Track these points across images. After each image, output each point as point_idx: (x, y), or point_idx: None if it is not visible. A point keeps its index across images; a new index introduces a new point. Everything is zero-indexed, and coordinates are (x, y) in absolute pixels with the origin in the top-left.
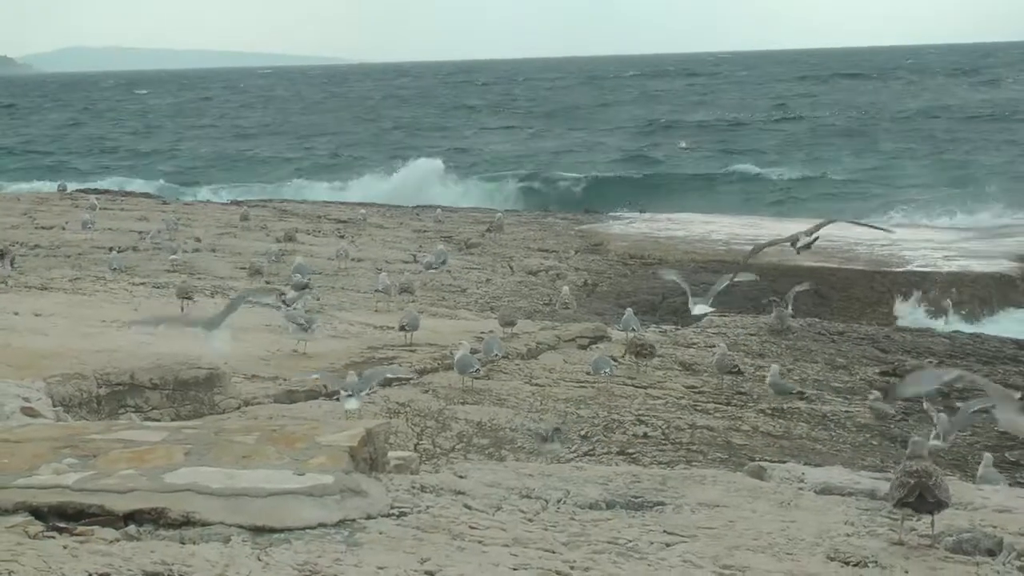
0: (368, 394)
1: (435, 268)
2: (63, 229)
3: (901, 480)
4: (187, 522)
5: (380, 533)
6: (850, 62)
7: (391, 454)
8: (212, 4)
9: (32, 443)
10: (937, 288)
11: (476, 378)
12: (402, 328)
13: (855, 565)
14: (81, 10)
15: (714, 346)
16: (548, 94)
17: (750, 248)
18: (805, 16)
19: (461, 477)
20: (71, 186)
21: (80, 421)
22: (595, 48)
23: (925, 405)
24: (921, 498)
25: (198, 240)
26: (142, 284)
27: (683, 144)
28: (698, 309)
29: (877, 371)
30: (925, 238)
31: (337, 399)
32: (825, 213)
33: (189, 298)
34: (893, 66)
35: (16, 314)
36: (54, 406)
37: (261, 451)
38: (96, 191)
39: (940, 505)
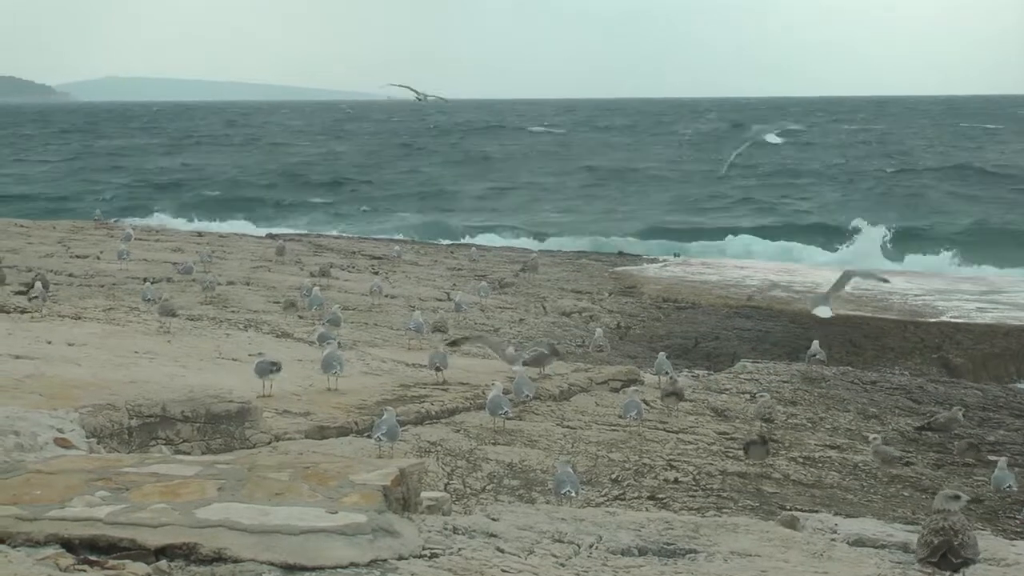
0: None
1: (464, 310)
2: (98, 259)
3: (927, 539)
4: (219, 558)
5: (412, 575)
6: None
7: (423, 494)
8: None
9: (65, 475)
10: (970, 339)
11: (508, 419)
12: (435, 368)
13: None
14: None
15: (748, 393)
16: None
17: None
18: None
19: (494, 519)
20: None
21: (113, 453)
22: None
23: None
24: (946, 558)
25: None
26: (175, 316)
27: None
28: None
29: (909, 421)
30: (959, 289)
31: (368, 436)
32: None
33: (173, 315)
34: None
35: (49, 343)
36: (87, 437)
37: (294, 488)
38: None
39: (967, 563)
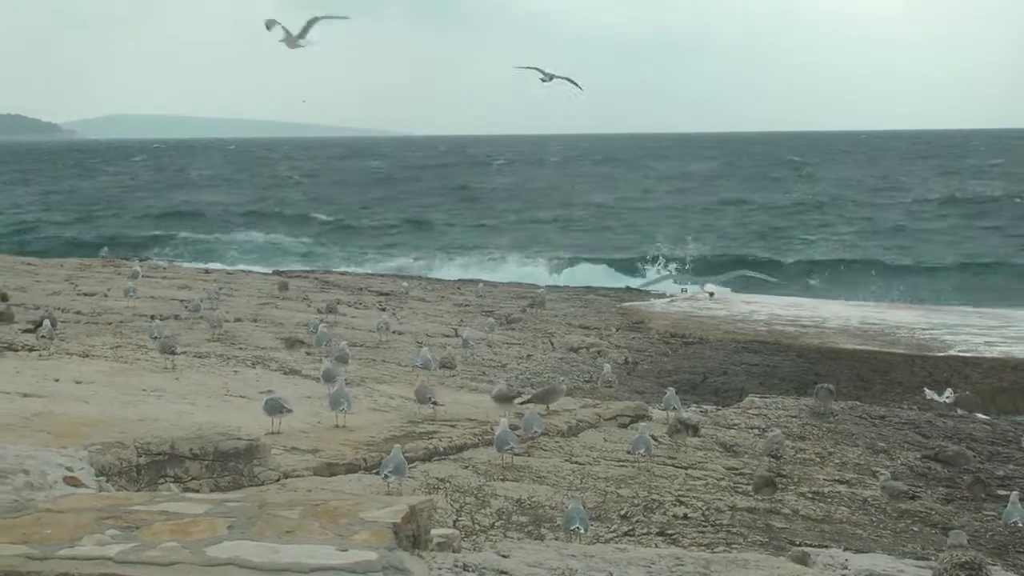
0: None
1: (470, 347)
2: (105, 296)
3: (952, 574)
4: None
5: None
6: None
7: (433, 531)
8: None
9: (75, 513)
10: (979, 374)
11: (516, 455)
12: (432, 403)
13: None
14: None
15: (756, 428)
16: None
17: None
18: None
19: (504, 556)
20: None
21: (122, 492)
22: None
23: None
24: None
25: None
26: (183, 353)
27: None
28: None
29: (918, 456)
30: (968, 323)
31: (376, 473)
32: None
33: (173, 352)
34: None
35: (57, 381)
36: (96, 476)
37: (305, 526)
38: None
39: None
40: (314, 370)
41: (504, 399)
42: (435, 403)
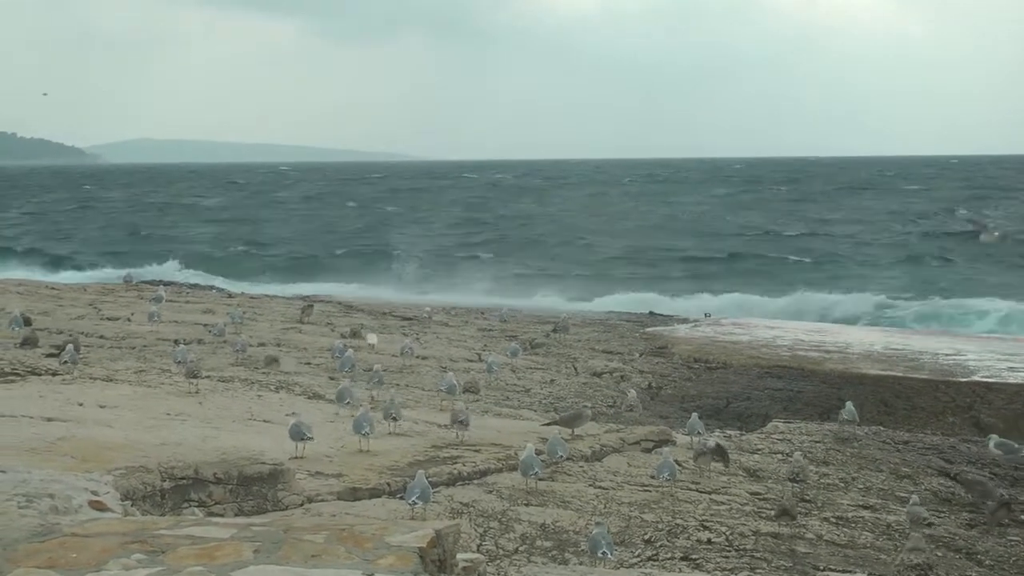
0: None
1: (495, 371)
2: (129, 321)
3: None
4: None
5: None
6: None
7: (459, 555)
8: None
9: (101, 538)
10: (1002, 399)
11: (540, 479)
12: (459, 423)
13: None
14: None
15: (780, 453)
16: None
17: None
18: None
19: None
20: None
21: (147, 516)
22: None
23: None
24: None
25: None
26: (207, 378)
27: None
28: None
29: (942, 482)
30: (990, 349)
31: (400, 498)
32: None
33: (197, 376)
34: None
35: (81, 405)
36: (121, 500)
37: (330, 550)
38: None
39: None
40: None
41: (455, 420)
42: (463, 423)
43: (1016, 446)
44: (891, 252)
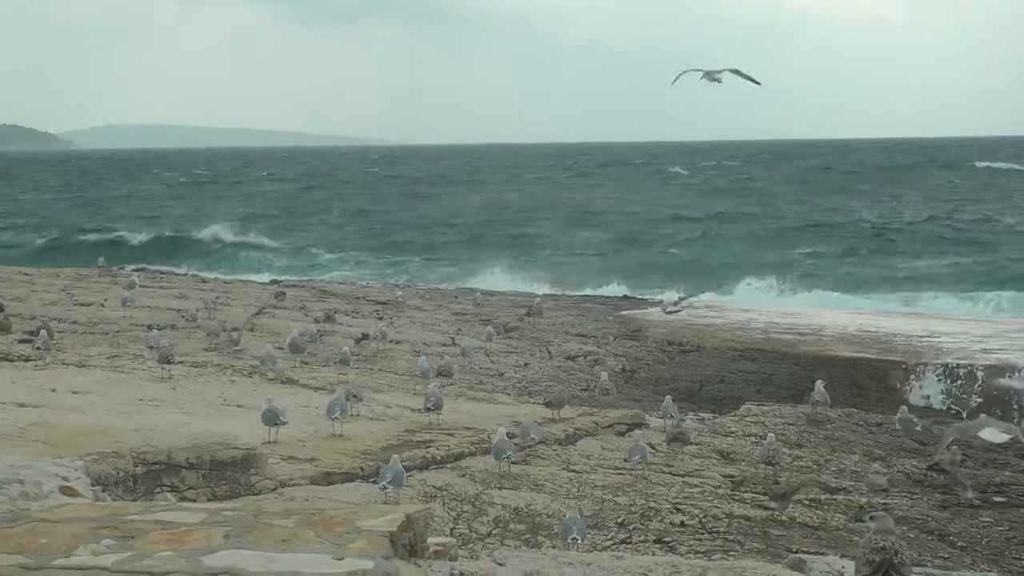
0: None
1: (469, 355)
2: (102, 306)
3: (868, 557)
4: None
5: None
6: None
7: (430, 539)
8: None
9: (71, 523)
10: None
11: (513, 463)
12: (428, 410)
13: None
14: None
15: (753, 436)
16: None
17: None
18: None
19: (500, 564)
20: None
21: (118, 501)
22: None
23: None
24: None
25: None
26: (180, 363)
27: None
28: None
29: (915, 463)
30: (963, 330)
31: (374, 482)
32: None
33: (170, 362)
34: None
35: (54, 391)
36: (92, 485)
37: (301, 535)
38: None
39: None
40: (311, 379)
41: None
42: (435, 409)
43: (915, 421)
44: None
